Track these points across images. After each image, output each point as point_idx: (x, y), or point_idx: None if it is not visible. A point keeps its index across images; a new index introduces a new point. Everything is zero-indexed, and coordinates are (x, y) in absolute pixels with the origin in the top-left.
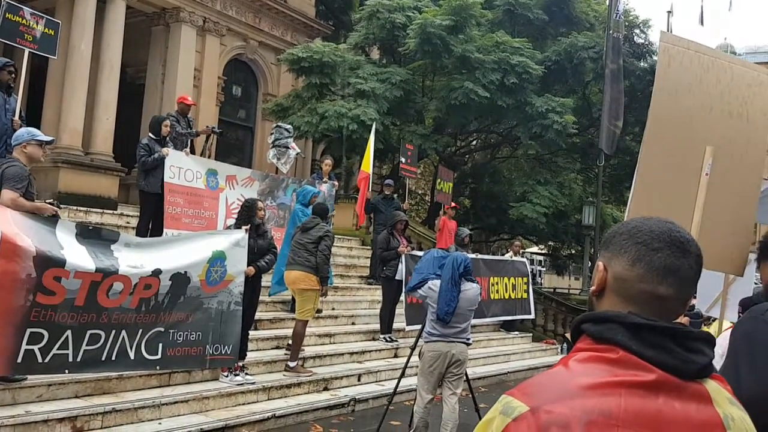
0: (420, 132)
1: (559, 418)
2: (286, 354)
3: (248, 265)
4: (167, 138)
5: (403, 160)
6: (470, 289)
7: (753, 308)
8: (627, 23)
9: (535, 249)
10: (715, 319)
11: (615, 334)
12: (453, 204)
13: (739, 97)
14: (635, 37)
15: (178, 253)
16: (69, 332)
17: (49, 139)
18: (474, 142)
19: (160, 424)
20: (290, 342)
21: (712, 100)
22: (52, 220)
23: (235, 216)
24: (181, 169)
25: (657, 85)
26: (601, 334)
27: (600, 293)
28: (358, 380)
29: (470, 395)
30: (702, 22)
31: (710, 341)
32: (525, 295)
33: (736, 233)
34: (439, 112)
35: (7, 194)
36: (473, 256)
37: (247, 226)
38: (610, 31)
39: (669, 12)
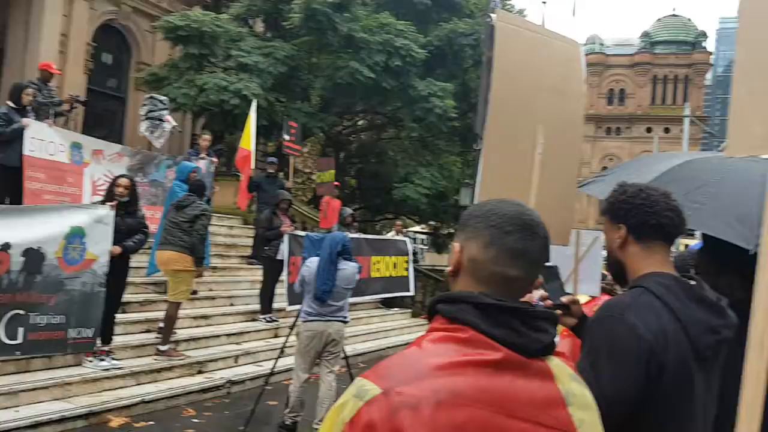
0: (305, 110)
1: (410, 400)
2: (157, 337)
3: (114, 244)
4: (28, 108)
5: (286, 137)
6: (347, 269)
7: (611, 305)
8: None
9: (417, 228)
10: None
11: (466, 314)
12: (336, 183)
13: (561, 73)
14: None
15: (30, 226)
16: None
17: None
18: (360, 122)
19: (17, 411)
20: (161, 325)
21: (542, 78)
22: None
23: (102, 193)
24: (43, 141)
25: (495, 67)
26: (453, 314)
27: (456, 274)
28: (236, 362)
29: (348, 372)
30: (574, 13)
31: (554, 320)
32: (405, 273)
33: (563, 206)
34: (325, 91)
35: None
36: (356, 235)
37: (113, 203)
38: (488, 20)
39: (543, 2)
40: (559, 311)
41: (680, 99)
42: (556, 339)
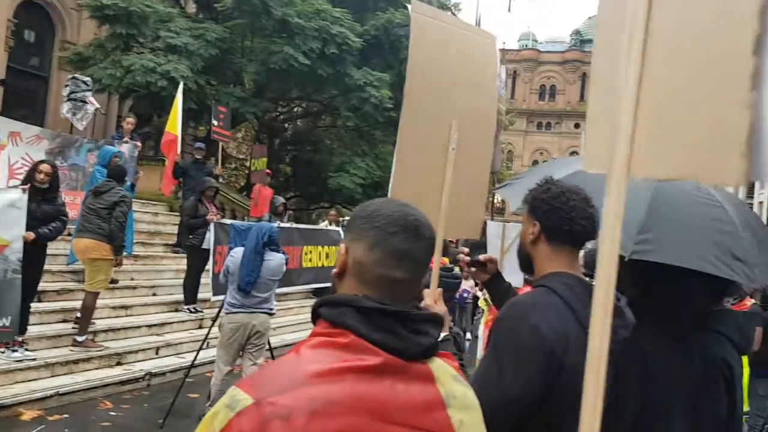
0: (238, 94)
1: (282, 410)
2: (74, 328)
3: (29, 230)
4: None
5: (215, 122)
6: (274, 260)
7: (516, 304)
8: (438, 4)
9: None
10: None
11: (347, 318)
12: (267, 171)
13: (476, 67)
14: None
15: None
16: None
17: None
18: (296, 109)
19: None
20: (79, 315)
21: (457, 72)
22: None
23: (20, 177)
24: None
25: (410, 60)
26: (335, 318)
27: (341, 276)
28: (156, 353)
29: None
30: (509, 9)
31: (437, 322)
32: None
33: (475, 201)
34: (259, 76)
35: None
36: (288, 224)
37: (26, 186)
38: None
39: None
40: (474, 268)
41: None
42: (480, 330)
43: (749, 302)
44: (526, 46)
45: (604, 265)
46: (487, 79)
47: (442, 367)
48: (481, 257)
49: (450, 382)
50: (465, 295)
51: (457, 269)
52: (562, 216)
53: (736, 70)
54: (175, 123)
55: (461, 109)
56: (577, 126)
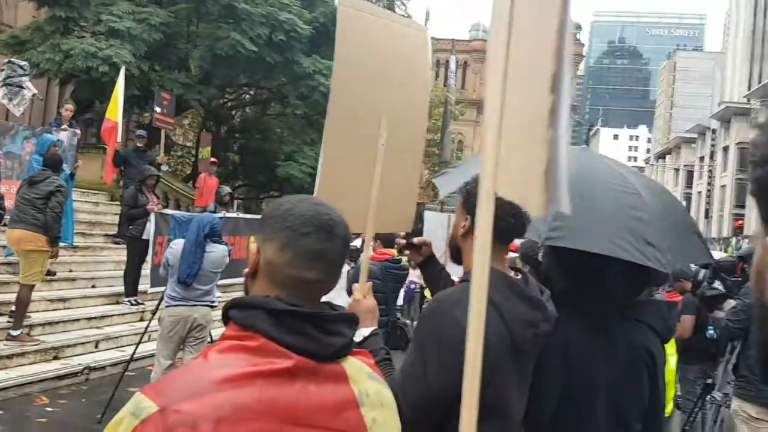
0: (183, 80)
1: (187, 418)
2: (9, 321)
3: None
4: None
5: (158, 109)
6: (215, 251)
7: (441, 299)
8: None
9: None
10: None
11: (257, 321)
12: (213, 159)
13: (407, 60)
14: (396, 9)
15: None
16: None
17: None
18: (245, 97)
19: None
20: (13, 308)
21: (386, 66)
22: None
23: None
24: None
25: (336, 54)
26: (244, 321)
27: (254, 276)
28: (96, 347)
29: None
30: None
31: (351, 321)
32: None
33: (406, 196)
34: (204, 62)
35: None
36: (233, 214)
37: None
38: (373, 1)
39: None
40: (409, 250)
41: None
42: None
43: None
44: (477, 36)
45: (477, 274)
46: (419, 74)
47: (356, 365)
48: (415, 240)
49: (364, 380)
50: (412, 285)
51: (404, 260)
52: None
53: (539, 107)
54: (115, 109)
55: (391, 104)
56: None
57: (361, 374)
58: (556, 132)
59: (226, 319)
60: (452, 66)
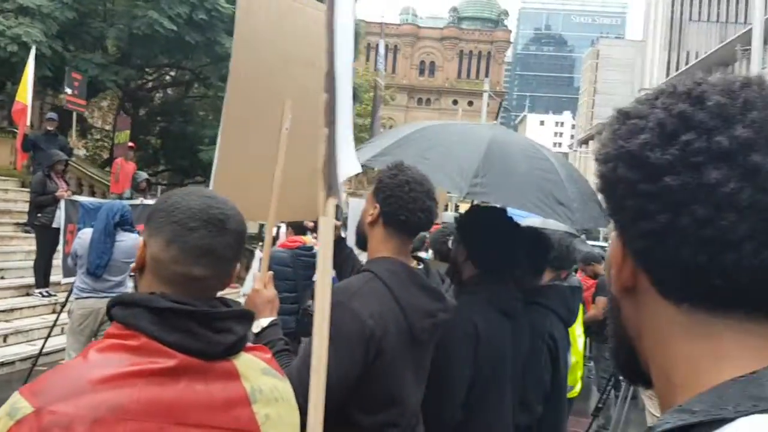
0: (98, 61)
1: (62, 419)
2: None
3: None
4: None
5: (69, 90)
6: (127, 240)
7: (340, 290)
8: None
9: None
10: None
11: (139, 319)
12: (131, 144)
13: (312, 42)
14: None
15: None
16: None
17: None
18: (166, 78)
19: None
20: None
21: (289, 48)
22: None
23: None
24: None
25: (236, 35)
26: (126, 320)
27: (141, 272)
28: (4, 341)
29: None
30: None
31: (242, 317)
32: None
33: (312, 182)
34: (121, 41)
35: None
36: (150, 201)
37: None
38: None
39: None
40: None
41: (483, 74)
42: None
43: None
44: (407, 21)
45: (321, 272)
46: (322, 54)
47: (249, 362)
48: None
49: (257, 376)
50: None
51: (316, 248)
52: (401, 205)
53: (316, 106)
54: (25, 91)
55: (295, 87)
56: (455, 102)
57: (254, 370)
58: (332, 130)
59: (110, 317)
60: (381, 50)
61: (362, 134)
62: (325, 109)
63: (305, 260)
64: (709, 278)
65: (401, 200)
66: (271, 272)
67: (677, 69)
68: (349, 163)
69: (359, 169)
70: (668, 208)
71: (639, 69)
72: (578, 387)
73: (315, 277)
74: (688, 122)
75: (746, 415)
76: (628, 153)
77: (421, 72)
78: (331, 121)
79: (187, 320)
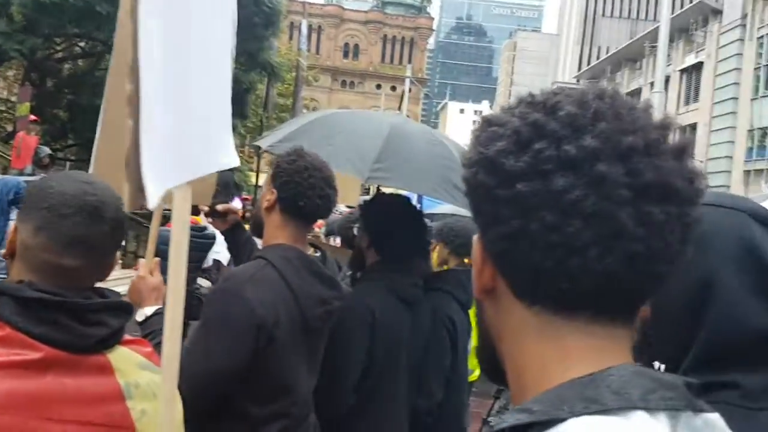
0: (1, 29)
1: None
2: None
3: None
4: None
5: None
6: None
7: (232, 277)
8: None
9: None
10: None
11: (3, 309)
12: (33, 117)
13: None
14: None
15: None
16: None
17: None
18: (76, 49)
19: None
20: None
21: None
22: None
23: None
24: None
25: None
26: None
27: (12, 258)
28: None
29: None
30: None
31: (117, 310)
32: None
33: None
34: (26, 9)
35: None
36: None
37: None
38: None
39: None
40: (213, 218)
41: (407, 60)
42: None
43: None
44: (331, 2)
45: (174, 268)
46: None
47: (125, 355)
48: (220, 207)
49: (134, 371)
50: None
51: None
52: (300, 191)
53: (122, 97)
54: None
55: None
56: (378, 87)
57: (131, 365)
58: (136, 122)
59: None
60: (304, 30)
61: (284, 114)
62: (128, 99)
63: (196, 242)
64: (557, 282)
65: (300, 186)
66: (157, 258)
67: (589, 63)
68: (223, 154)
69: (237, 162)
70: (520, 213)
71: (553, 62)
72: (478, 371)
73: (208, 259)
74: (540, 131)
75: (578, 416)
76: (486, 159)
77: (345, 54)
78: (134, 113)
79: (55, 312)
